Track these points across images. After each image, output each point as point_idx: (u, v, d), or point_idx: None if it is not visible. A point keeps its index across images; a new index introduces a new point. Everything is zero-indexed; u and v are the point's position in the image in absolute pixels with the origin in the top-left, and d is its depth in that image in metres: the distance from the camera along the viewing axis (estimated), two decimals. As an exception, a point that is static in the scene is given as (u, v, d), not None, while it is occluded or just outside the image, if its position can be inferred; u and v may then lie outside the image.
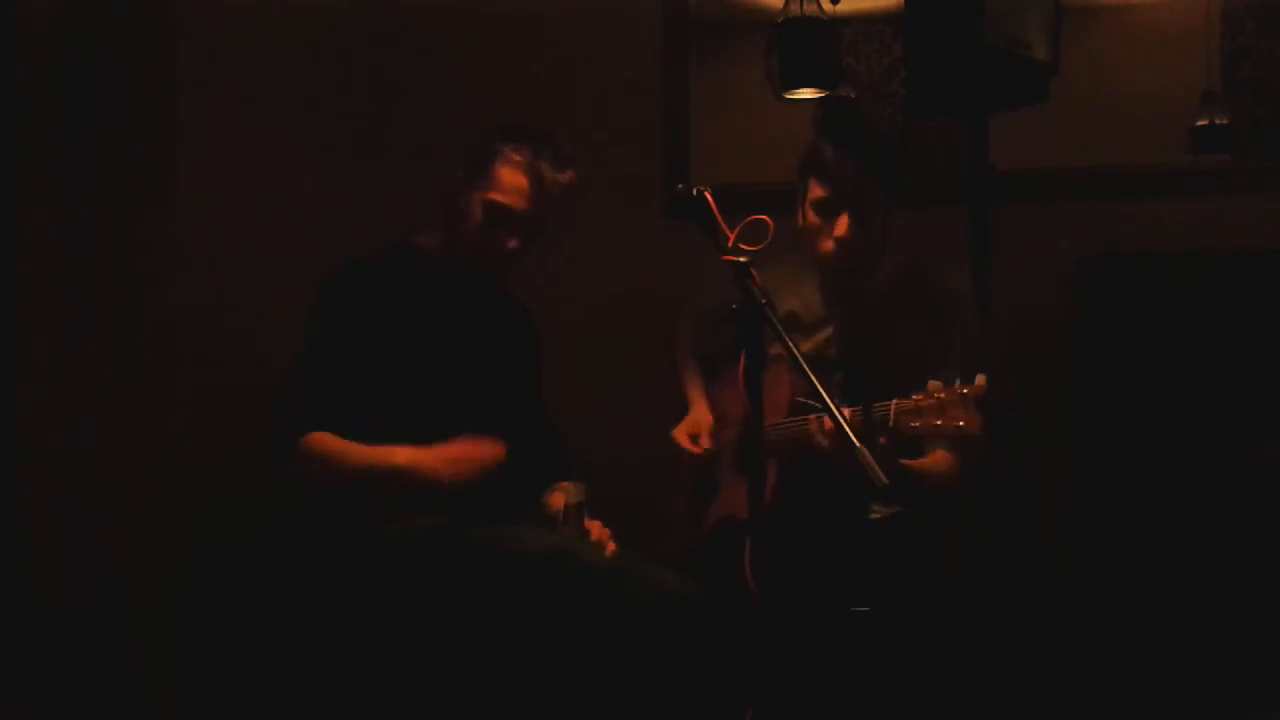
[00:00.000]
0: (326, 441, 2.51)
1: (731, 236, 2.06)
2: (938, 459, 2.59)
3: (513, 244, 2.60)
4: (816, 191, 2.63)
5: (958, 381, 2.33)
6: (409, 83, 3.61)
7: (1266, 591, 2.76)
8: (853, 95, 3.44)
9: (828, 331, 2.72)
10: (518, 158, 2.57)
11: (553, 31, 3.61)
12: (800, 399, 2.55)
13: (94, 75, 2.94)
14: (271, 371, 2.72)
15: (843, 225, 2.61)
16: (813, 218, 2.65)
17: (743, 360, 2.03)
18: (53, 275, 2.91)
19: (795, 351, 2.02)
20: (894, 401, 2.39)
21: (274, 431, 2.59)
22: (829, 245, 2.64)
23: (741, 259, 2.03)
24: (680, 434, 2.74)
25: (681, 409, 2.82)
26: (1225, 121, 3.26)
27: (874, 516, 2.64)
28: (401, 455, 2.51)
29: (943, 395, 2.33)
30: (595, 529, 2.56)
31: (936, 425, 2.34)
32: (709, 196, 2.10)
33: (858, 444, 1.93)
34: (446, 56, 3.62)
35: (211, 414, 3.06)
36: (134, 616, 2.93)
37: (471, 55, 3.62)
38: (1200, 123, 3.28)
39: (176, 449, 2.99)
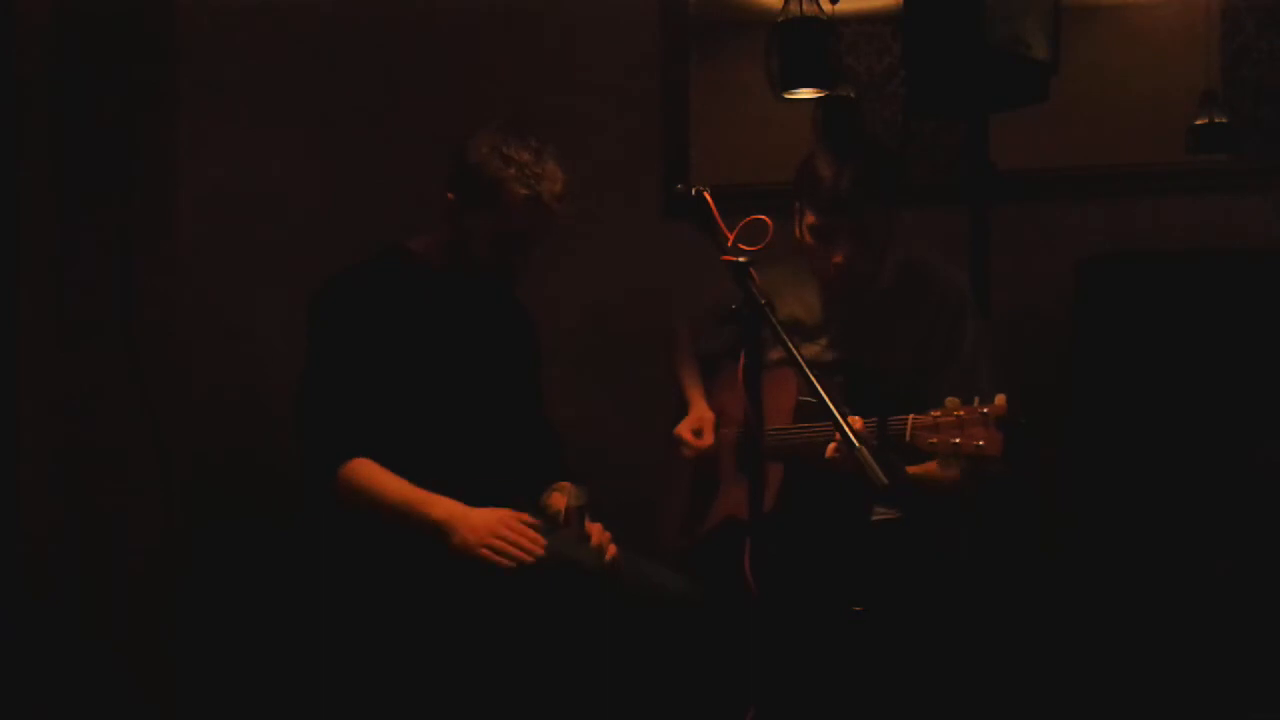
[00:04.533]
0: (371, 472, 2.47)
1: (731, 237, 2.05)
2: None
3: (518, 260, 2.61)
4: (811, 218, 2.57)
5: (977, 400, 2.30)
6: (409, 83, 3.61)
7: (1265, 591, 2.76)
8: (853, 95, 3.44)
9: (829, 334, 2.71)
10: (524, 192, 2.53)
11: (553, 32, 3.61)
12: (805, 398, 2.54)
13: (94, 75, 2.94)
14: (271, 372, 2.72)
15: (841, 255, 2.56)
16: (809, 240, 2.59)
17: (742, 360, 2.03)
18: (53, 275, 2.91)
19: (795, 353, 2.01)
20: (911, 416, 2.36)
21: (305, 455, 2.51)
22: (829, 270, 2.59)
23: (741, 259, 2.03)
24: (684, 429, 2.73)
25: (680, 408, 2.82)
26: (1225, 121, 3.26)
27: (876, 518, 2.64)
28: (440, 509, 2.45)
29: (962, 413, 2.30)
30: (596, 532, 2.55)
31: (955, 444, 2.31)
32: (708, 197, 2.10)
33: (857, 444, 1.92)
34: (446, 56, 3.62)
35: (212, 414, 3.07)
36: (134, 616, 2.93)
37: (471, 55, 3.62)
38: (1200, 122, 3.28)
39: (176, 449, 2.99)
